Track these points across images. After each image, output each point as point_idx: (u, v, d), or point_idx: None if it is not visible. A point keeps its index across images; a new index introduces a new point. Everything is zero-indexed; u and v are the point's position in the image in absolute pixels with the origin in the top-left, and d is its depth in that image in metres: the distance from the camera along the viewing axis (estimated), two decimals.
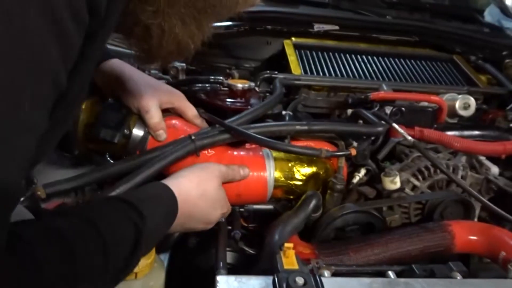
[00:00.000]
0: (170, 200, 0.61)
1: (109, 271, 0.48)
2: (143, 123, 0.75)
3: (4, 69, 0.35)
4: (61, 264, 0.43)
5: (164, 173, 0.69)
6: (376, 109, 0.94)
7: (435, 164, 0.75)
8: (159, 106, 0.76)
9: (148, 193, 0.60)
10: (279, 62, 1.27)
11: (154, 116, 0.74)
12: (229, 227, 0.74)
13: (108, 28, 0.46)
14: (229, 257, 0.72)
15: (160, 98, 0.76)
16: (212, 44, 1.39)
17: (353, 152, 0.75)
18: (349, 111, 0.94)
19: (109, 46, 1.10)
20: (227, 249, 0.71)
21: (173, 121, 0.77)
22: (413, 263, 0.69)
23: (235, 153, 0.76)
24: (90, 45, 0.44)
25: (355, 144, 0.81)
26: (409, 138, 0.78)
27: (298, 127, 0.76)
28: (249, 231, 0.81)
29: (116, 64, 0.79)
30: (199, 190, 0.65)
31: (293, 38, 1.28)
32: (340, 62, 1.20)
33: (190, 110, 0.80)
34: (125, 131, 0.74)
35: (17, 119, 0.37)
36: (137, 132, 0.75)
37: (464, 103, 1.00)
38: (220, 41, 1.34)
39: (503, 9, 1.76)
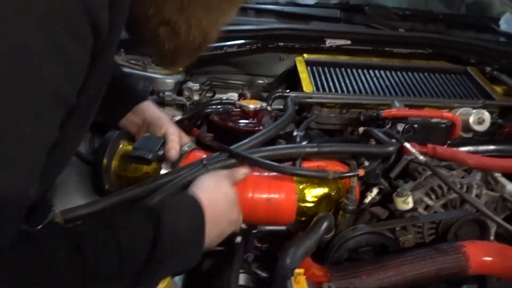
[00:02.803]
0: (194, 206, 0.61)
1: (124, 272, 0.49)
2: None
3: (2, 86, 0.38)
4: (70, 263, 0.45)
5: None
6: (388, 126, 0.94)
7: (447, 183, 0.75)
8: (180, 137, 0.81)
9: (169, 201, 0.62)
10: (293, 78, 1.28)
11: (174, 140, 0.78)
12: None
13: (114, 41, 0.48)
14: (243, 279, 0.73)
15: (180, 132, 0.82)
16: (226, 61, 1.42)
17: (361, 173, 0.75)
18: (361, 129, 0.94)
19: (125, 69, 1.14)
20: (241, 271, 0.72)
21: (197, 152, 0.80)
22: (428, 285, 0.70)
23: (264, 174, 0.77)
24: (97, 60, 0.46)
25: (366, 163, 0.82)
26: (421, 157, 0.78)
27: (308, 149, 0.76)
28: (263, 252, 0.82)
29: (150, 106, 0.86)
30: (218, 188, 0.67)
31: (305, 55, 1.29)
32: (352, 78, 1.21)
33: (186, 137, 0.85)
34: (159, 152, 0.77)
35: (16, 131, 0.40)
36: None
37: (479, 118, 0.99)
38: (233, 59, 1.37)
39: None
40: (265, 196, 0.75)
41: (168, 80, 1.18)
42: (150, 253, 0.52)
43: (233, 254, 0.72)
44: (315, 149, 0.76)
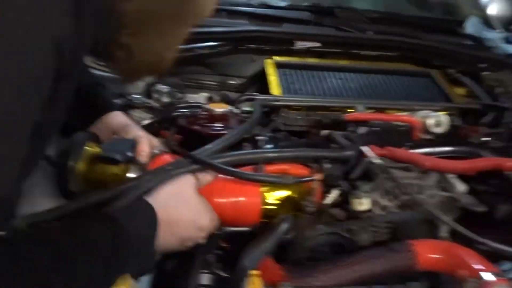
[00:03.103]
0: (147, 210, 0.66)
1: (86, 275, 0.53)
2: None
3: None
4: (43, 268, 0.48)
5: None
6: (350, 129, 0.98)
7: (400, 185, 0.79)
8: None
9: (125, 207, 0.66)
10: (264, 79, 1.31)
11: (144, 142, 0.81)
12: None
13: (77, 67, 0.52)
14: (206, 279, 0.76)
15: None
16: (197, 62, 1.44)
17: (319, 177, 0.78)
18: (325, 132, 0.98)
19: (95, 71, 1.15)
20: (204, 271, 0.75)
21: (166, 156, 0.82)
22: (380, 282, 0.74)
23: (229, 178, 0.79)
24: (60, 85, 0.49)
25: (327, 166, 0.86)
26: (377, 161, 0.82)
27: (269, 155, 0.80)
28: (227, 252, 0.84)
29: (118, 116, 0.88)
30: (176, 197, 0.70)
31: (274, 57, 1.32)
32: (320, 80, 1.24)
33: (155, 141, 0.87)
34: (129, 153, 0.78)
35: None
36: None
37: (436, 121, 1.03)
38: (204, 60, 1.39)
39: (485, 19, 1.79)
40: (231, 200, 0.78)
41: (137, 83, 1.19)
42: (110, 258, 0.55)
43: (194, 256, 0.75)
44: (276, 154, 0.80)
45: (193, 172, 0.77)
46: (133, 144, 0.79)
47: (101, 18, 0.53)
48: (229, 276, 0.74)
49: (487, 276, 0.66)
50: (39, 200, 0.82)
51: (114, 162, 0.76)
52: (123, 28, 0.57)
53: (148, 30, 0.58)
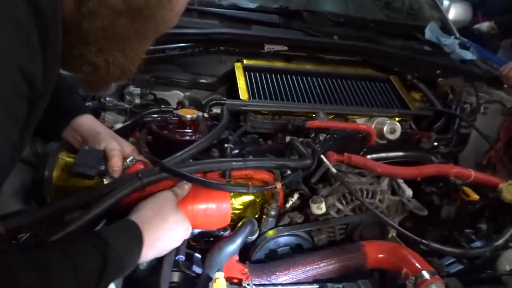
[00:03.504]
0: (133, 228, 0.71)
1: None
2: None
3: None
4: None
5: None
6: (312, 135, 1.05)
7: (352, 192, 0.87)
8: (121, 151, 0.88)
9: (114, 227, 0.71)
10: (233, 79, 1.36)
11: (116, 156, 0.85)
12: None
13: (49, 87, 0.57)
14: (176, 277, 0.81)
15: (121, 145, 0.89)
16: (169, 61, 1.46)
17: (279, 185, 0.85)
18: (288, 138, 1.04)
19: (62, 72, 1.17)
20: (175, 269, 0.81)
21: (139, 165, 0.86)
22: (334, 280, 0.82)
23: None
24: (34, 107, 0.54)
25: (288, 172, 0.93)
26: (333, 169, 0.89)
27: (234, 164, 0.86)
28: (197, 251, 0.90)
29: (88, 121, 0.92)
30: (158, 216, 0.75)
31: (244, 60, 1.37)
32: (286, 84, 1.31)
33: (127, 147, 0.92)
34: (101, 167, 0.82)
35: None
36: None
37: (391, 128, 1.12)
38: (176, 60, 1.42)
39: (444, 24, 1.90)
40: (203, 206, 0.84)
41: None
42: (100, 274, 0.61)
43: (163, 256, 0.80)
44: (240, 163, 0.86)
45: (162, 179, 0.82)
46: (104, 155, 0.83)
47: (63, 40, 0.56)
48: (197, 275, 0.80)
49: (426, 274, 0.75)
50: (11, 200, 0.85)
51: (88, 177, 0.80)
52: (89, 45, 0.61)
53: (113, 47, 0.62)
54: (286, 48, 1.44)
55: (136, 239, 0.70)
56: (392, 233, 0.93)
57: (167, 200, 0.79)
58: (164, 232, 0.75)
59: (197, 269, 0.81)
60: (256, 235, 0.87)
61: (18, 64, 0.48)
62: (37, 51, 0.51)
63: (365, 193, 0.93)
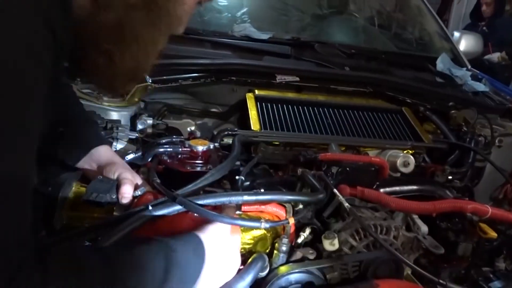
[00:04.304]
0: (198, 242, 0.70)
1: None
2: None
3: None
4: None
5: None
6: (324, 168, 1.04)
7: (366, 229, 0.85)
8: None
9: (179, 236, 0.70)
10: (244, 109, 1.36)
11: (128, 184, 0.85)
12: None
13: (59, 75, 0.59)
14: None
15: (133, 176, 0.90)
16: (181, 90, 1.48)
17: (291, 221, 0.84)
18: (300, 170, 1.03)
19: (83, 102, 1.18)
20: None
21: (149, 196, 0.86)
22: None
23: None
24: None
25: (300, 206, 0.91)
26: (346, 204, 0.87)
27: (246, 197, 0.84)
28: None
29: (106, 151, 0.94)
30: (221, 240, 0.75)
31: (256, 91, 1.38)
32: (298, 115, 1.31)
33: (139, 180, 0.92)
34: (112, 196, 0.82)
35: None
36: None
37: (404, 162, 1.11)
38: (188, 89, 1.43)
39: (455, 56, 1.90)
40: None
41: (123, 113, 1.23)
42: (162, 281, 0.61)
43: None
44: (253, 197, 0.84)
45: (173, 213, 0.81)
46: (116, 185, 0.83)
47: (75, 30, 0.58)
48: None
49: None
50: None
51: (99, 205, 0.80)
52: (104, 36, 0.62)
53: (128, 38, 0.63)
54: (298, 78, 1.45)
55: (199, 251, 0.69)
56: (407, 271, 0.90)
57: (226, 230, 0.77)
58: (225, 258, 0.73)
59: None
60: (266, 271, 0.84)
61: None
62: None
63: (379, 229, 0.90)
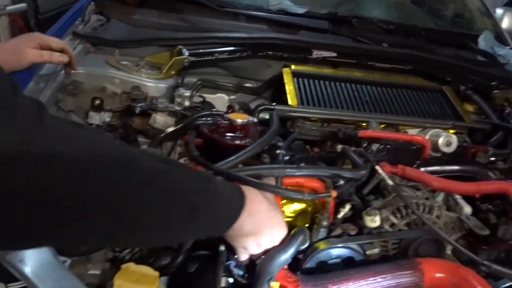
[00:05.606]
0: (236, 187, 0.68)
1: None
2: None
3: None
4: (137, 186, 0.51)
5: None
6: (363, 146, 1.02)
7: (410, 207, 0.83)
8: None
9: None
10: (279, 84, 1.34)
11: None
12: None
13: None
14: (225, 283, 0.81)
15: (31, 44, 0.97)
16: (216, 65, 1.48)
17: (334, 194, 0.83)
18: (339, 147, 1.02)
19: (119, 73, 1.19)
20: (224, 274, 0.80)
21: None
22: None
23: None
24: None
25: (341, 182, 0.90)
26: (389, 181, 0.86)
27: (288, 170, 0.84)
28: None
29: None
30: (267, 201, 0.73)
31: (292, 66, 1.36)
32: (335, 91, 1.28)
33: (53, 42, 1.02)
34: None
35: None
36: None
37: (447, 141, 1.08)
38: (222, 63, 1.42)
39: (498, 34, 1.82)
40: None
41: (160, 85, 1.23)
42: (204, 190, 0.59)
43: (217, 260, 0.80)
44: (295, 171, 0.84)
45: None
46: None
47: None
48: (247, 282, 0.79)
49: None
50: None
51: None
52: None
53: None
54: (335, 54, 1.42)
55: (238, 193, 0.66)
56: (447, 251, 0.89)
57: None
58: (265, 209, 0.71)
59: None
60: (307, 245, 0.85)
61: None
62: None
63: (421, 207, 0.89)
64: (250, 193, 0.69)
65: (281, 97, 1.28)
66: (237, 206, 0.65)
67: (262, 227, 0.71)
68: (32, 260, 0.62)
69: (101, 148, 0.49)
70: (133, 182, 0.50)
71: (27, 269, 0.62)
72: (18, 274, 0.61)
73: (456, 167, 1.05)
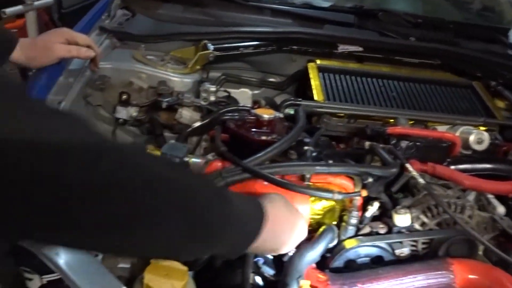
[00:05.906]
0: (256, 201, 0.66)
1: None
2: None
3: None
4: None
5: None
6: (392, 143, 1.00)
7: (442, 206, 0.82)
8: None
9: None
10: (303, 79, 1.33)
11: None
12: None
13: None
14: (252, 279, 0.81)
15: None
16: (240, 59, 1.47)
17: (364, 193, 0.82)
18: (367, 143, 1.00)
19: (145, 67, 1.20)
20: (252, 271, 0.80)
21: (219, 163, 0.86)
22: None
23: None
24: None
25: (370, 179, 0.89)
26: (420, 179, 0.84)
27: (317, 168, 0.83)
28: (275, 256, 0.89)
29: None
30: (285, 202, 0.72)
31: (317, 61, 1.34)
32: (361, 87, 1.26)
33: (80, 37, 1.09)
34: (185, 159, 0.84)
35: None
36: None
37: (478, 138, 1.05)
38: (246, 58, 1.42)
39: None
40: None
41: (186, 80, 1.24)
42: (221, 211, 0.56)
43: (245, 257, 0.79)
44: (325, 168, 0.83)
45: (244, 180, 0.81)
46: (188, 149, 0.85)
47: None
48: (275, 279, 0.79)
49: None
50: None
51: None
52: None
53: None
54: (361, 48, 1.39)
55: (258, 207, 0.64)
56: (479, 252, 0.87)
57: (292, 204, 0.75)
58: (287, 219, 0.69)
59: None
60: (335, 243, 0.84)
61: None
62: None
63: (453, 207, 0.87)
64: (272, 208, 0.66)
65: (305, 92, 1.26)
66: (256, 228, 0.62)
67: (282, 244, 0.70)
68: (66, 254, 0.63)
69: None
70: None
71: (62, 262, 0.63)
72: (53, 266, 0.62)
73: (488, 166, 1.03)
